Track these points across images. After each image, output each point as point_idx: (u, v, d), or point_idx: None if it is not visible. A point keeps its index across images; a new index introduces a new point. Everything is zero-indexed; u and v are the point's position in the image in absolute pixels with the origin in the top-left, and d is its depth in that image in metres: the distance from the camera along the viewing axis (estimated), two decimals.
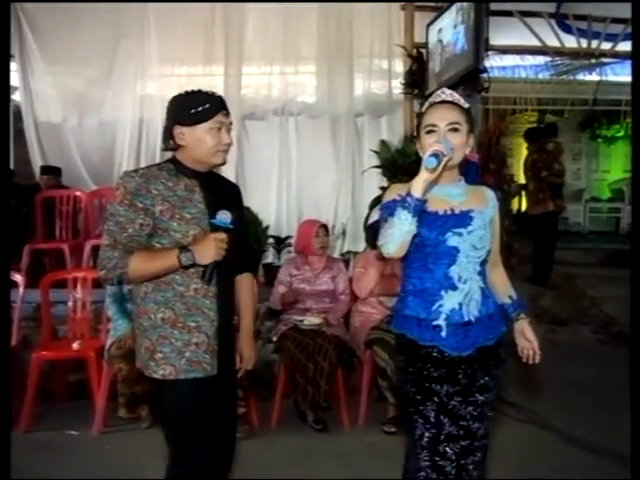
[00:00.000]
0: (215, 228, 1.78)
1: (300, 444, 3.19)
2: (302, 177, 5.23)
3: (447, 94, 1.82)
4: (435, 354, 1.81)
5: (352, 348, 3.62)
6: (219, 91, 5.18)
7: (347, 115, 5.10)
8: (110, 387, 3.31)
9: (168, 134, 1.83)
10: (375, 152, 4.60)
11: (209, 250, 1.73)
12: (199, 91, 1.82)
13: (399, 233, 1.68)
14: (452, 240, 1.78)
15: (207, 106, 1.77)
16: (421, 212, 1.73)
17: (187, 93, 1.83)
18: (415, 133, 4.42)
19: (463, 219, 1.79)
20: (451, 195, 1.83)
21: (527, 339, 1.92)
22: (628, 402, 3.64)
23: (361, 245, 4.90)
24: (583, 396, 3.76)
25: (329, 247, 3.80)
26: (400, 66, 5.05)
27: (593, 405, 3.64)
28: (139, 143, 5.36)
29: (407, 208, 1.66)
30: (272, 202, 5.25)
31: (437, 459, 1.80)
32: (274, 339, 3.51)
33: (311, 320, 3.46)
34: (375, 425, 3.37)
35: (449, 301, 1.79)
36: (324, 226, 3.76)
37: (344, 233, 4.78)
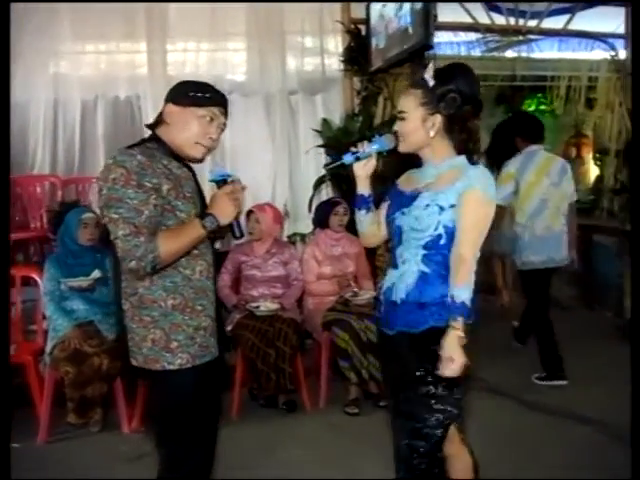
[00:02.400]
0: (217, 184, 1.75)
1: (265, 431, 3.15)
2: (236, 157, 5.06)
3: (426, 73, 1.77)
4: (382, 328, 1.90)
5: (307, 330, 3.59)
6: (143, 69, 4.82)
7: (281, 93, 4.96)
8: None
9: (160, 113, 1.78)
10: (317, 131, 4.53)
11: (227, 206, 1.69)
12: (207, 83, 1.80)
13: (358, 226, 1.99)
14: (398, 219, 1.81)
15: (207, 95, 1.74)
16: (394, 194, 1.91)
17: (194, 81, 1.81)
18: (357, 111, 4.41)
19: (407, 199, 1.81)
20: (424, 175, 1.83)
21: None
22: (569, 360, 3.90)
23: (302, 226, 4.86)
24: (528, 357, 3.95)
25: (266, 233, 3.66)
26: (332, 43, 4.98)
27: (538, 366, 3.84)
28: (55, 126, 4.93)
29: (355, 204, 1.95)
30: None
31: (395, 433, 1.88)
32: (229, 328, 3.40)
33: (268, 306, 3.39)
34: (335, 406, 3.38)
35: (389, 279, 1.85)
36: (252, 211, 3.63)
37: (287, 215, 4.69)
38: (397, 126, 1.81)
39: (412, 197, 1.79)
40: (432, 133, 1.75)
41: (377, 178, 1.99)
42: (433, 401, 1.74)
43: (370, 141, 1.87)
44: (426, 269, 1.74)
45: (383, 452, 2.68)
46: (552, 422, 3.14)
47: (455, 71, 1.75)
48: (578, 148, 8.30)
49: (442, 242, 1.73)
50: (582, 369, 3.83)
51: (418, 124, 1.75)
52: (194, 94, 1.72)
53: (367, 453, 2.82)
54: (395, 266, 1.82)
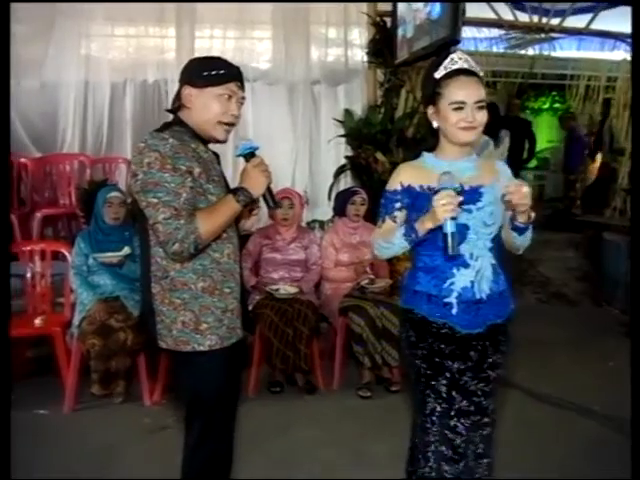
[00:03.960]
0: (245, 158, 1.71)
1: (280, 410, 3.15)
2: (259, 144, 5.03)
3: (469, 62, 1.71)
4: (446, 331, 1.76)
5: (323, 314, 3.58)
6: (171, 54, 4.77)
7: (304, 83, 4.91)
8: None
9: (177, 96, 1.73)
10: (339, 121, 4.49)
11: (257, 179, 1.66)
12: (217, 57, 1.73)
13: (392, 251, 1.77)
14: (461, 217, 1.69)
15: (222, 72, 1.67)
16: (421, 194, 1.75)
17: (204, 57, 1.75)
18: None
19: (472, 195, 1.72)
20: (461, 170, 1.74)
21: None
22: (576, 355, 3.89)
23: (321, 213, 4.84)
24: (535, 352, 3.93)
25: (296, 218, 3.68)
26: (356, 34, 4.92)
27: (545, 359, 3.82)
28: (85, 107, 4.91)
29: (407, 240, 1.69)
30: (228, 169, 5.03)
31: (447, 432, 1.77)
32: (249, 308, 3.40)
33: (287, 289, 3.39)
34: (348, 389, 3.38)
35: (461, 279, 1.73)
36: (288, 198, 3.59)
37: (307, 202, 4.66)
38: (472, 117, 1.69)
39: (475, 193, 1.73)
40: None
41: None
42: (496, 385, 1.81)
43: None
44: (493, 260, 1.77)
45: (393, 434, 2.71)
46: (558, 414, 3.13)
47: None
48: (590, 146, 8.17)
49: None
50: (588, 364, 3.81)
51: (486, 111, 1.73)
52: (208, 73, 1.65)
53: (378, 435, 2.84)
54: (464, 265, 1.73)
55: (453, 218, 1.58)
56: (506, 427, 2.74)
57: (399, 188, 1.76)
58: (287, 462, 2.64)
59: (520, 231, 1.71)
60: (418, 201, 1.73)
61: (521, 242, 1.76)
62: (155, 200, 1.56)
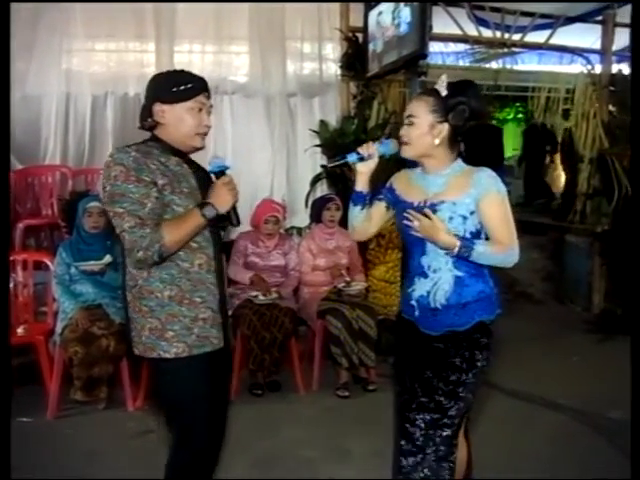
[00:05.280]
0: (215, 175, 1.69)
1: (261, 412, 3.11)
2: (237, 154, 5.00)
3: (437, 84, 1.73)
4: (412, 326, 1.80)
5: (302, 318, 3.57)
6: (151, 68, 4.71)
7: (280, 95, 4.90)
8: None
9: (147, 112, 1.69)
10: (315, 132, 4.50)
11: (225, 196, 1.65)
12: (182, 70, 1.72)
13: (349, 219, 1.91)
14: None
15: (189, 85, 1.66)
16: (397, 202, 1.84)
17: (169, 71, 1.73)
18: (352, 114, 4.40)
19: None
20: (429, 185, 1.76)
21: None
22: (542, 350, 3.92)
23: (298, 220, 4.83)
24: (503, 348, 3.95)
25: (280, 227, 3.73)
26: (330, 49, 4.93)
27: (513, 356, 3.85)
28: (66, 119, 4.83)
29: (352, 200, 1.87)
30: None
31: (407, 425, 1.76)
32: (229, 313, 3.36)
33: (267, 295, 3.35)
34: (327, 390, 3.36)
35: (419, 288, 1.77)
36: (275, 216, 3.58)
37: (285, 209, 4.64)
38: (404, 130, 1.73)
39: (431, 210, 1.70)
40: (437, 141, 1.70)
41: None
42: (461, 389, 1.72)
43: (375, 142, 1.83)
44: (459, 273, 1.70)
45: (371, 432, 2.71)
46: (526, 409, 3.15)
47: (467, 86, 1.71)
48: (551, 155, 8.36)
49: None
50: (554, 359, 3.87)
51: (425, 130, 1.70)
52: (177, 89, 1.64)
53: (356, 433, 2.83)
54: (424, 275, 1.74)
55: (361, 159, 1.81)
56: (476, 422, 2.77)
57: (387, 186, 1.88)
58: (269, 461, 2.60)
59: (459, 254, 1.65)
60: (393, 201, 1.85)
61: (485, 262, 1.68)
62: (121, 210, 1.56)
